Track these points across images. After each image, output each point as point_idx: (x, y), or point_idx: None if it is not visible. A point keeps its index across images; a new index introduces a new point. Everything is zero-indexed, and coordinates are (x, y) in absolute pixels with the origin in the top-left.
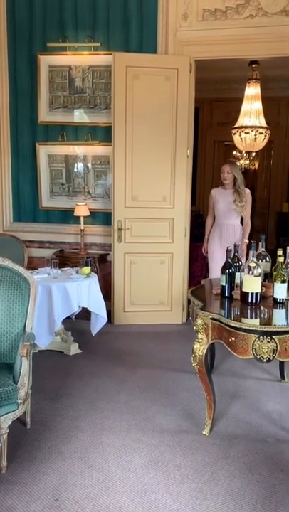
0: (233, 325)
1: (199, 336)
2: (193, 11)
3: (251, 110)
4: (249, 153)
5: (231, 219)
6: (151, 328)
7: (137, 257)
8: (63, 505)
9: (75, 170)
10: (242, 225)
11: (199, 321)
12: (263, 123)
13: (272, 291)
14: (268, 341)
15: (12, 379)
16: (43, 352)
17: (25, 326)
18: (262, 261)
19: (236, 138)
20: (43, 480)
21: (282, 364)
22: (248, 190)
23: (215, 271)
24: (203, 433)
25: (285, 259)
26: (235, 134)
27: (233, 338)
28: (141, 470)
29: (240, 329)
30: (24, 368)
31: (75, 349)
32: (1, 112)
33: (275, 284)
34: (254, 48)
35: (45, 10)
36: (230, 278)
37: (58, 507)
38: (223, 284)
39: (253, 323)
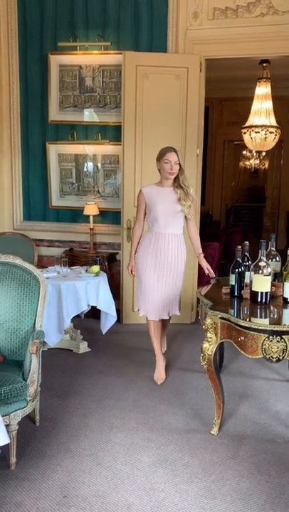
0: (242, 324)
1: (208, 335)
2: (203, 10)
3: (261, 109)
4: (259, 152)
5: (174, 226)
6: None
7: None
8: (72, 502)
9: (85, 169)
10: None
11: (208, 320)
12: (274, 122)
13: (282, 291)
14: (278, 341)
15: (22, 376)
16: (52, 350)
17: (34, 324)
18: (272, 260)
19: (246, 137)
20: (51, 477)
21: None
22: (192, 189)
23: (148, 298)
24: (212, 432)
25: None
26: (245, 133)
27: (242, 338)
28: (149, 468)
29: (249, 328)
30: (34, 365)
31: (84, 347)
32: (12, 111)
33: (285, 283)
34: (265, 46)
35: (56, 9)
36: (240, 277)
37: (66, 504)
38: (233, 283)
39: (263, 322)
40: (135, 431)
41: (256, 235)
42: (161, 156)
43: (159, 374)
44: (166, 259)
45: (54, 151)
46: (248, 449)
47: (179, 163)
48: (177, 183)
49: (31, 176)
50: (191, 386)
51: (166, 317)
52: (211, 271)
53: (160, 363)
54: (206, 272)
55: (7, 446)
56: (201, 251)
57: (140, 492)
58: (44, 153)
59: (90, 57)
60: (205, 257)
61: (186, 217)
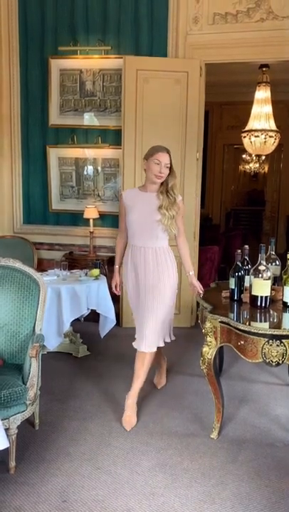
0: (242, 328)
1: (208, 339)
2: (203, 15)
3: (261, 114)
4: (259, 156)
5: (153, 239)
6: None
7: None
8: (71, 506)
9: (85, 173)
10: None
11: (208, 324)
12: (273, 126)
13: (282, 295)
14: (278, 345)
15: (21, 380)
16: (51, 353)
17: (34, 328)
18: (271, 264)
19: (246, 141)
20: (51, 481)
21: None
22: (180, 197)
23: (135, 319)
24: (212, 437)
25: None
26: (245, 137)
27: (242, 342)
28: (149, 473)
29: (249, 333)
30: (33, 369)
31: (83, 351)
32: (13, 114)
33: (284, 287)
34: (265, 51)
35: (57, 14)
36: (240, 281)
37: (65, 508)
38: (233, 287)
39: (263, 326)
40: (135, 435)
41: (256, 239)
42: (150, 155)
43: (127, 417)
44: (145, 279)
45: (54, 154)
46: (248, 453)
47: (170, 167)
48: (163, 188)
49: (31, 179)
50: (191, 390)
51: (144, 349)
52: (201, 291)
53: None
54: (198, 290)
55: (6, 450)
56: (191, 270)
57: (140, 497)
58: (44, 157)
59: (90, 62)
60: (204, 261)
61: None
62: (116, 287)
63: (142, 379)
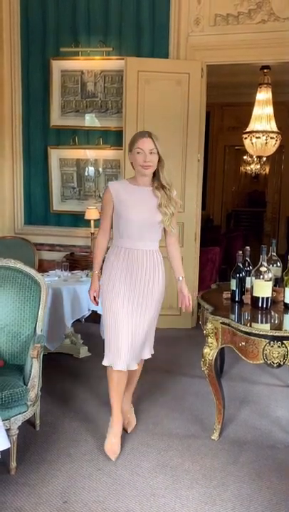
0: (243, 329)
1: (209, 340)
2: (205, 16)
3: (262, 115)
4: (260, 157)
5: (151, 241)
6: (161, 333)
7: None
8: (72, 507)
9: (86, 174)
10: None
11: (209, 326)
12: (274, 128)
13: (283, 296)
14: (279, 346)
15: (22, 380)
16: (52, 354)
17: (35, 328)
18: (273, 266)
19: (247, 142)
20: (51, 482)
21: None
22: (175, 192)
23: (118, 339)
24: (212, 438)
25: None
26: (246, 138)
27: (243, 343)
28: (149, 474)
29: (250, 334)
30: (34, 369)
31: (84, 352)
32: (14, 116)
33: (286, 288)
34: (266, 52)
35: (58, 15)
36: (241, 282)
37: (66, 509)
38: (234, 288)
39: (264, 328)
40: (135, 436)
41: (257, 240)
42: (131, 145)
43: (111, 444)
44: (142, 285)
45: (55, 155)
46: (249, 454)
47: (158, 153)
48: (158, 182)
49: (33, 180)
50: (192, 391)
51: (134, 367)
52: (190, 304)
53: (116, 428)
54: (185, 303)
55: (7, 451)
56: (182, 274)
57: (140, 498)
58: (45, 158)
59: (91, 63)
60: (205, 262)
61: (164, 229)
62: (94, 293)
63: (134, 385)
